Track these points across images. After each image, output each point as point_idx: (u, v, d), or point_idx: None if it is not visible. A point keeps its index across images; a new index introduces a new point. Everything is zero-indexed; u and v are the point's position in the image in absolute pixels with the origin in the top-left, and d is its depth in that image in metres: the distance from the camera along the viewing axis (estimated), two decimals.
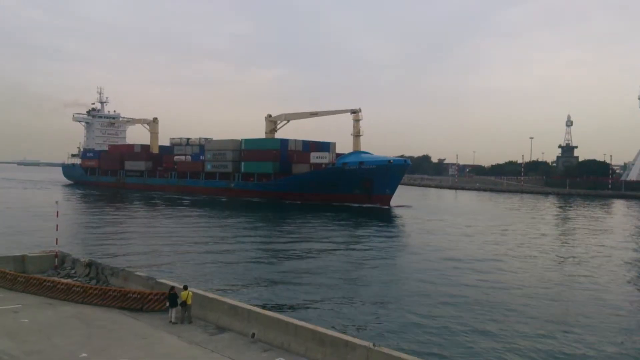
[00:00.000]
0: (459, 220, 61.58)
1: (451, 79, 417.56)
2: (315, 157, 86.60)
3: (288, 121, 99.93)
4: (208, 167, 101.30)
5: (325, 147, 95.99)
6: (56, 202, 27.75)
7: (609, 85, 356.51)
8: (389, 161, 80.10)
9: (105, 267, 23.29)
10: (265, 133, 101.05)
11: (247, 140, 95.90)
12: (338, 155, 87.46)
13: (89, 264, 23.86)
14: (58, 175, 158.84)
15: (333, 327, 17.55)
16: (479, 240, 45.26)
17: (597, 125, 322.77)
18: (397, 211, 73.22)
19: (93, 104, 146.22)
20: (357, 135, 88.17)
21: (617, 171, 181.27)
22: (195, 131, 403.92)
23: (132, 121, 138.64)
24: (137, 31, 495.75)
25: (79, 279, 23.16)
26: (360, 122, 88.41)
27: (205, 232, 47.67)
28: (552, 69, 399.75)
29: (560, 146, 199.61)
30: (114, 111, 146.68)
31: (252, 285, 26.46)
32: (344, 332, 16.21)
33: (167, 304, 17.82)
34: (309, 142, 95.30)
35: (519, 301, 24.36)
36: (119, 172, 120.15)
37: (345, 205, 78.35)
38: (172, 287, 18.38)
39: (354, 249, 39.24)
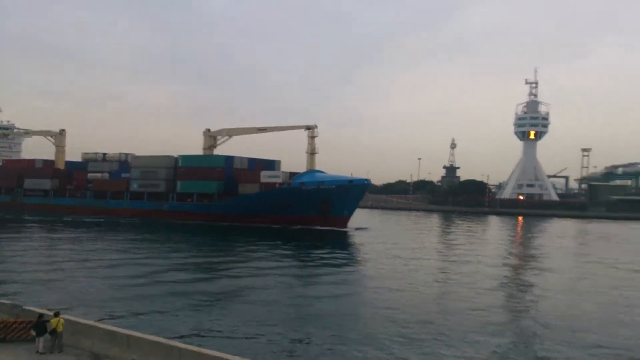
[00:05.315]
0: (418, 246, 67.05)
1: (350, 103, 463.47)
2: (266, 176, 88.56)
3: (230, 137, 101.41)
4: (134, 186, 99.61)
5: (270, 165, 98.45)
6: None
7: (490, 112, 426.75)
8: (350, 181, 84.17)
9: None
10: (204, 149, 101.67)
11: (185, 157, 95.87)
12: (291, 174, 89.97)
13: None
14: None
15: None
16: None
17: (478, 148, 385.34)
18: (356, 235, 77.10)
19: None
20: (312, 152, 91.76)
21: (493, 190, 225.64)
22: (95, 146, 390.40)
23: (30, 133, 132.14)
24: (23, 41, 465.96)
25: None
26: (316, 139, 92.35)
27: (113, 255, 46.50)
28: (441, 96, 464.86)
29: (445, 167, 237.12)
30: (8, 121, 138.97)
31: (154, 313, 26.19)
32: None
33: (34, 332, 17.95)
34: (254, 159, 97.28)
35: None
36: (15, 190, 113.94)
37: (300, 227, 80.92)
38: (41, 315, 18.70)
39: (304, 279, 39.85)
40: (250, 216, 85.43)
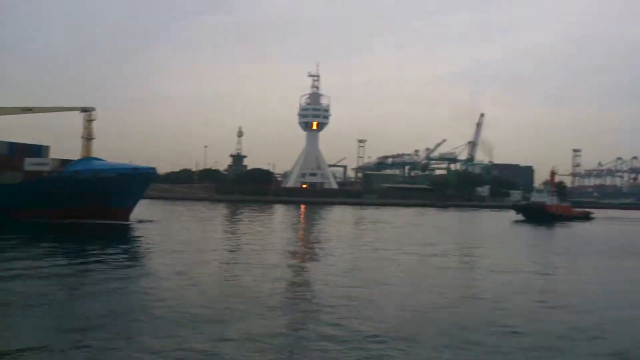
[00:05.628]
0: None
1: (132, 86, 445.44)
2: (31, 164, 78.86)
3: None
4: None
5: (37, 151, 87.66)
6: None
7: (278, 102, 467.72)
8: (134, 169, 79.83)
9: None
10: None
11: None
12: (63, 162, 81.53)
13: None
14: None
15: None
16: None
17: (266, 137, 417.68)
18: (140, 228, 73.49)
19: None
20: (89, 138, 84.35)
21: (280, 179, 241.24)
22: None
23: None
24: None
25: None
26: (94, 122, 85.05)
27: None
28: (228, 82, 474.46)
29: (231, 155, 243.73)
30: None
31: None
32: None
33: None
34: (16, 144, 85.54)
35: None
36: None
37: (75, 221, 73.91)
38: None
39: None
40: (11, 210, 75.04)
